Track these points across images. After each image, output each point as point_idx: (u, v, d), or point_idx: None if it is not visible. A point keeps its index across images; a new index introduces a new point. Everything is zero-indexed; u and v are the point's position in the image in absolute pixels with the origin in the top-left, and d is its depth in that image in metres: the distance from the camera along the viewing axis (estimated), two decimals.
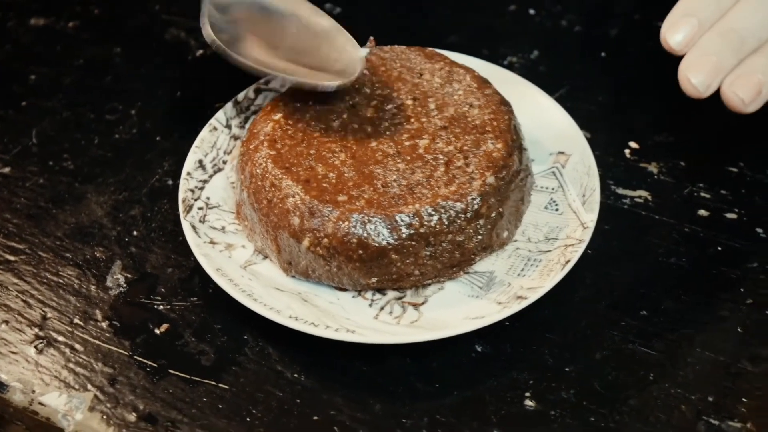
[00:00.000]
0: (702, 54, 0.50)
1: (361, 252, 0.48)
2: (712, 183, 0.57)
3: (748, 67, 0.50)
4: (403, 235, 0.48)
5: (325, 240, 0.49)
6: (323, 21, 0.56)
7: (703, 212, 0.56)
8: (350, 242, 0.48)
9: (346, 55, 0.55)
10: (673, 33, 0.51)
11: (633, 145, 0.59)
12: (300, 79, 0.53)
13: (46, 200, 0.57)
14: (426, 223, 0.48)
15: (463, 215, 0.49)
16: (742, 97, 0.50)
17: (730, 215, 0.56)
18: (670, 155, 0.59)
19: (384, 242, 0.48)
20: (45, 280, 0.54)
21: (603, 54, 0.66)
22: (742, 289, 0.52)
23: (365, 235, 0.48)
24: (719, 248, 0.54)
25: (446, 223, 0.49)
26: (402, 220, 0.48)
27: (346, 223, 0.48)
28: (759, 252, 0.54)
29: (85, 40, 0.67)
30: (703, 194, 0.57)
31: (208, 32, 0.54)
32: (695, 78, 0.50)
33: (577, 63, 0.65)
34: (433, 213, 0.49)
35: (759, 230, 0.55)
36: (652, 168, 0.58)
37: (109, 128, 0.61)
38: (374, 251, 0.48)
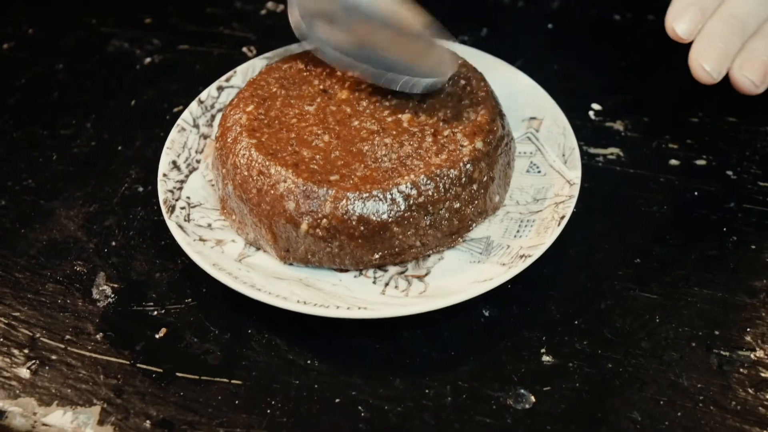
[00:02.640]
0: (710, 41, 0.52)
1: (362, 228, 0.48)
2: (677, 134, 0.59)
3: (752, 51, 0.52)
4: (403, 207, 0.48)
5: (324, 221, 0.48)
6: (414, 20, 0.55)
7: (674, 162, 0.57)
8: (351, 220, 0.48)
9: (436, 51, 0.54)
10: (679, 22, 0.53)
11: (596, 106, 0.61)
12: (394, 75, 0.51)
13: (11, 221, 0.55)
14: (424, 192, 0.48)
15: (457, 181, 0.49)
16: (752, 79, 0.52)
17: (700, 162, 0.57)
18: (633, 113, 0.60)
19: (384, 216, 0.48)
20: (26, 300, 0.51)
21: (549, 26, 0.67)
22: (725, 228, 0.54)
23: (365, 211, 0.48)
24: (696, 193, 0.56)
25: (443, 190, 0.49)
26: (400, 192, 0.48)
27: (344, 201, 0.48)
28: (733, 192, 0.56)
29: (23, 59, 0.65)
30: (671, 145, 0.58)
31: (296, 20, 0.53)
32: (707, 65, 0.52)
33: (526, 36, 0.66)
34: (429, 182, 0.48)
35: (729, 173, 0.57)
36: (618, 126, 0.60)
37: (65, 143, 0.59)
38: (376, 226, 0.48)
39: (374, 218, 0.48)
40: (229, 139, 0.52)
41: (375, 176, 0.48)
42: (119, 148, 0.59)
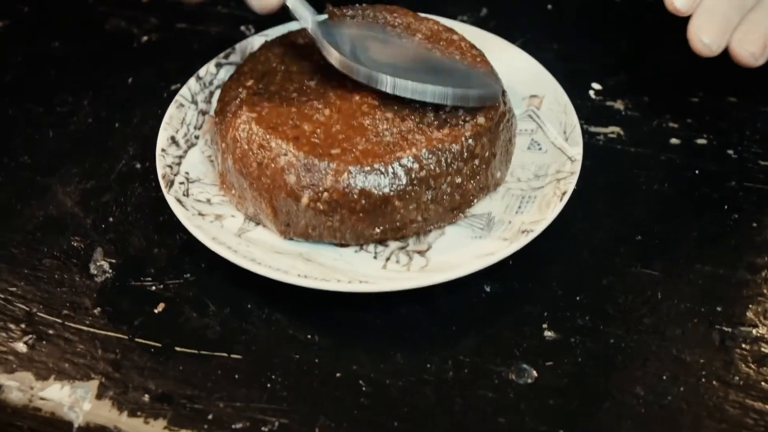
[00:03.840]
0: (709, 15, 0.52)
1: (363, 202, 0.47)
2: (678, 113, 0.59)
3: (751, 24, 0.52)
4: (405, 181, 0.48)
5: (325, 194, 0.47)
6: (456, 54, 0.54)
7: (674, 141, 0.57)
8: (352, 194, 0.47)
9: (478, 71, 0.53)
10: None
11: (596, 86, 0.60)
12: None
13: (8, 197, 0.54)
14: (425, 166, 0.48)
15: (459, 156, 0.49)
16: (752, 51, 0.52)
17: (700, 141, 0.57)
18: (633, 92, 0.60)
19: (386, 190, 0.48)
20: (23, 275, 0.50)
21: (549, 6, 0.67)
22: (726, 206, 0.54)
23: (366, 185, 0.47)
24: (696, 171, 0.55)
25: (444, 165, 0.48)
26: (402, 166, 0.48)
27: (346, 174, 0.47)
28: (734, 171, 0.55)
29: (19, 37, 0.64)
30: (671, 124, 0.58)
31: (333, 54, 0.51)
32: (707, 38, 0.52)
33: (526, 16, 0.66)
34: (431, 156, 0.48)
35: (730, 152, 0.57)
36: (619, 105, 0.59)
37: (62, 120, 0.59)
38: (377, 200, 0.47)
39: (376, 192, 0.47)
40: (228, 113, 0.51)
41: (376, 150, 0.48)
42: (116, 125, 0.58)
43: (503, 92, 0.52)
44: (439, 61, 0.52)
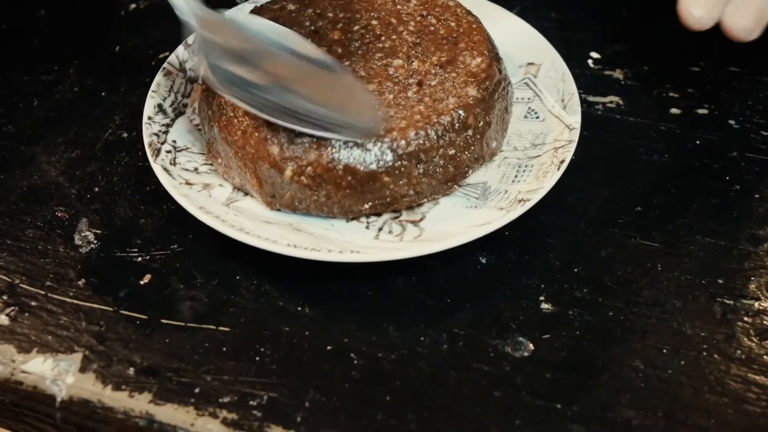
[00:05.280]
0: None
1: (350, 178, 0.46)
2: (678, 83, 0.57)
3: None
4: (391, 157, 0.46)
5: (309, 168, 0.46)
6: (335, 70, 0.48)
7: (675, 110, 0.56)
8: (336, 169, 0.46)
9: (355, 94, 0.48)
10: None
11: (594, 55, 0.59)
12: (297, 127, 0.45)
13: None
14: (413, 141, 0.46)
15: (450, 128, 0.47)
16: (744, 25, 0.50)
17: (701, 111, 0.56)
18: (632, 61, 0.58)
19: (373, 166, 0.46)
20: (5, 246, 0.49)
21: None
22: (727, 177, 0.52)
23: (351, 160, 0.46)
24: (697, 142, 0.54)
25: (435, 137, 0.47)
26: (386, 143, 0.46)
27: (329, 149, 0.46)
28: (735, 141, 0.54)
29: (3, 6, 0.63)
30: (671, 94, 0.57)
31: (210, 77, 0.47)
32: (697, 11, 0.50)
33: None
34: (418, 131, 0.46)
35: (731, 122, 0.55)
36: (618, 74, 0.58)
37: (47, 89, 0.57)
38: (364, 176, 0.46)
39: (361, 168, 0.46)
40: None
41: None
42: (103, 94, 0.57)
43: (498, 59, 0.51)
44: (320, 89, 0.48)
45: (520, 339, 0.45)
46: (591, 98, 0.56)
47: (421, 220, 0.48)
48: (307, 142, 0.46)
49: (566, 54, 0.57)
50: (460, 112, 0.47)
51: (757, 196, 0.51)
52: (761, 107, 0.56)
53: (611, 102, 0.56)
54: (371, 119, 0.46)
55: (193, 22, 0.48)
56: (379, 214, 0.48)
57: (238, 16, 0.51)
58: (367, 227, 0.47)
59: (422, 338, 0.45)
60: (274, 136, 0.46)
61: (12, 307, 0.46)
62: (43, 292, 0.47)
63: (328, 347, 0.45)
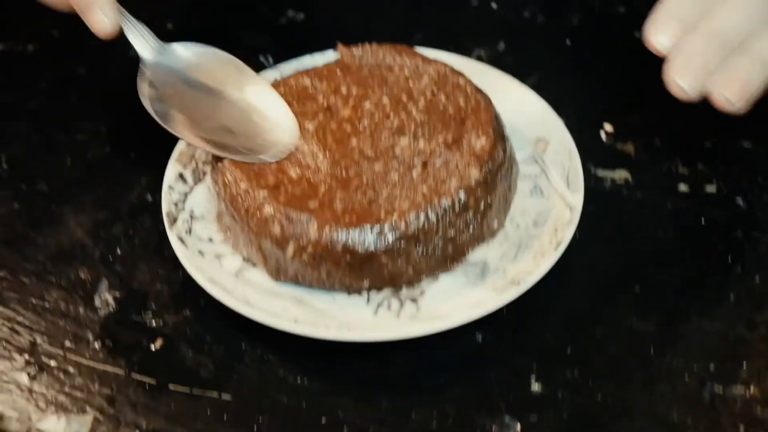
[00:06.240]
0: (687, 57, 0.50)
1: (348, 257, 0.48)
2: (689, 158, 0.58)
3: (732, 68, 0.50)
4: (391, 239, 0.48)
5: (310, 247, 0.48)
6: (260, 97, 0.55)
7: (683, 187, 0.57)
8: (335, 249, 0.48)
9: (288, 136, 0.53)
10: (657, 34, 0.51)
11: (607, 127, 0.60)
12: (231, 154, 0.52)
13: (23, 224, 0.56)
14: (413, 224, 0.48)
15: (450, 210, 0.49)
16: (728, 98, 0.50)
17: (710, 188, 0.57)
18: (645, 134, 0.59)
19: (371, 247, 0.48)
20: (30, 306, 0.52)
21: (568, 42, 0.66)
22: (729, 258, 0.53)
23: (350, 241, 0.48)
24: (702, 220, 0.55)
25: (435, 220, 0.48)
26: (386, 226, 0.48)
27: (328, 229, 0.48)
28: (741, 221, 0.55)
29: (47, 62, 0.66)
30: (681, 170, 0.57)
31: (148, 107, 0.54)
32: (682, 81, 0.50)
33: (543, 52, 0.65)
34: (419, 213, 0.48)
35: (738, 200, 0.56)
36: (629, 148, 0.59)
37: (80, 148, 0.60)
38: (363, 256, 0.48)
39: (360, 249, 0.48)
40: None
41: (356, 208, 0.48)
42: (132, 155, 0.60)
43: (504, 139, 0.52)
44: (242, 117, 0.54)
45: (508, 419, 0.47)
46: (600, 172, 0.57)
47: (420, 296, 0.50)
48: (305, 222, 0.48)
49: (580, 124, 0.59)
50: (461, 194, 0.49)
51: (758, 278, 0.52)
52: None
53: (620, 177, 0.57)
54: (283, 140, 0.52)
55: (146, 55, 0.55)
56: (380, 289, 0.50)
57: (179, 49, 0.56)
58: (367, 302, 0.49)
59: (413, 414, 0.47)
60: (275, 216, 0.49)
61: (32, 366, 0.50)
62: (61, 353, 0.50)
63: (323, 420, 0.47)
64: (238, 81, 0.55)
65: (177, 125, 0.53)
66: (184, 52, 0.55)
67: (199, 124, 0.53)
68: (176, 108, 0.54)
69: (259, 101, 0.54)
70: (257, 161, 0.51)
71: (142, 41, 0.55)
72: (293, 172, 0.50)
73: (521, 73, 0.62)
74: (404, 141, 0.52)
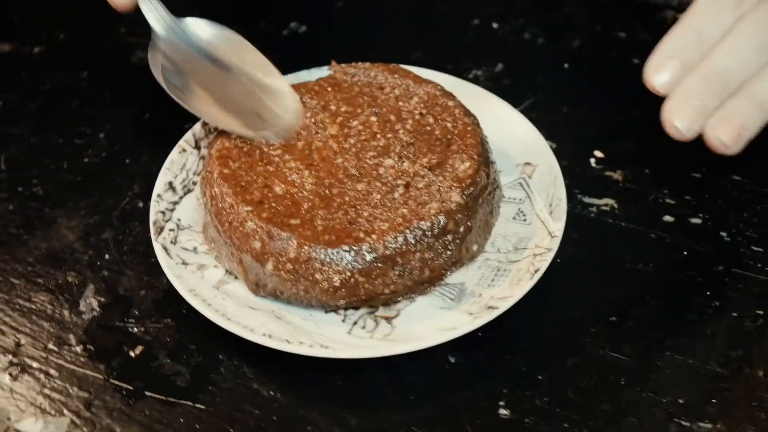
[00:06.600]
0: (685, 98, 0.50)
1: (326, 276, 0.49)
2: (677, 189, 0.58)
3: (729, 111, 0.50)
4: (368, 259, 0.49)
5: (288, 264, 0.49)
6: (267, 78, 0.57)
7: (668, 218, 0.57)
8: (313, 267, 0.49)
9: (290, 114, 0.55)
10: (656, 75, 0.51)
11: (598, 154, 0.60)
12: (237, 129, 0.54)
13: (16, 226, 0.57)
14: (390, 245, 0.49)
15: (429, 233, 0.49)
16: (723, 140, 0.50)
17: (695, 220, 0.57)
18: (635, 163, 0.60)
19: (349, 266, 0.49)
20: (18, 307, 0.54)
21: (566, 65, 0.67)
22: (708, 293, 0.53)
23: (328, 260, 0.48)
24: (685, 253, 0.55)
25: (413, 242, 0.49)
26: (364, 246, 0.48)
27: (307, 248, 0.48)
28: (723, 255, 0.55)
29: (51, 65, 0.68)
30: (668, 200, 0.58)
31: (160, 79, 0.55)
32: (679, 122, 0.50)
33: (541, 75, 0.66)
34: (396, 236, 0.49)
35: (723, 234, 0.56)
36: (617, 176, 0.59)
37: (78, 152, 0.62)
38: (339, 276, 0.49)
39: (338, 268, 0.49)
40: (208, 167, 0.53)
41: (337, 227, 0.49)
42: (127, 161, 0.61)
43: (488, 164, 0.53)
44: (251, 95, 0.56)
45: None
46: (587, 199, 0.58)
47: (395, 317, 0.50)
48: (285, 239, 0.49)
49: (571, 150, 0.59)
50: (441, 217, 0.50)
51: (734, 314, 0.52)
52: (757, 220, 0.56)
53: (606, 205, 0.58)
54: (287, 119, 0.55)
55: (159, 29, 0.56)
56: (356, 308, 0.51)
57: (192, 24, 0.57)
58: (343, 320, 0.50)
59: None
60: (257, 231, 0.49)
61: (15, 367, 0.51)
62: (44, 355, 0.51)
63: None
64: (246, 59, 0.57)
65: (186, 97, 0.55)
66: (196, 27, 0.57)
67: (207, 97, 0.55)
68: (186, 80, 0.56)
69: (266, 80, 0.57)
70: (260, 138, 0.53)
71: (155, 14, 0.56)
72: (278, 188, 0.51)
73: (517, 95, 0.62)
74: (388, 162, 0.52)
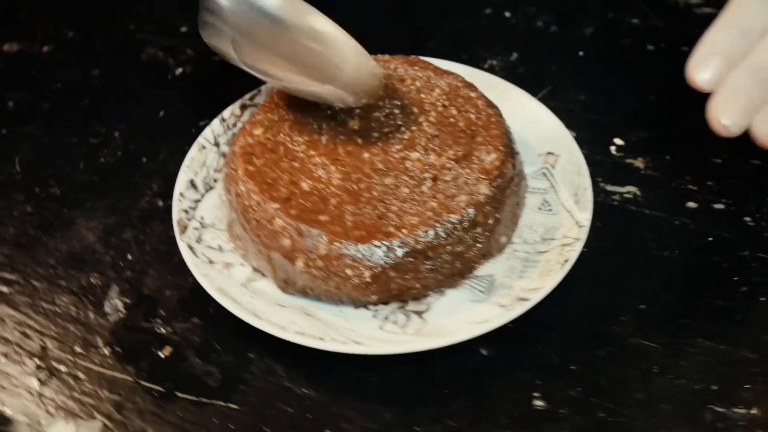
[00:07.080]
0: (731, 94, 0.49)
1: (357, 272, 0.48)
2: (698, 175, 0.58)
3: None
4: (399, 254, 0.48)
5: (319, 261, 0.49)
6: (328, 29, 0.56)
7: (691, 204, 0.57)
8: (344, 263, 0.48)
9: (351, 66, 0.54)
10: (700, 72, 0.50)
11: (618, 141, 0.60)
12: (314, 88, 0.53)
13: (34, 228, 0.57)
14: (422, 239, 0.48)
15: (459, 226, 0.49)
16: None
17: (718, 206, 0.57)
18: (655, 150, 0.60)
19: (380, 261, 0.48)
20: (41, 310, 0.53)
21: (581, 53, 0.66)
22: (735, 278, 0.53)
23: (359, 256, 0.48)
24: (710, 239, 0.55)
25: (444, 235, 0.49)
26: (393, 243, 0.48)
27: (338, 244, 0.48)
28: (748, 240, 0.55)
29: (61, 63, 0.67)
30: (690, 186, 0.58)
31: (232, 55, 0.54)
32: (726, 120, 0.50)
33: (556, 63, 0.66)
34: (428, 229, 0.48)
35: (747, 219, 0.56)
36: (639, 163, 0.59)
37: (93, 152, 0.61)
38: (371, 272, 0.48)
39: (369, 263, 0.48)
40: (232, 165, 0.53)
41: (366, 222, 0.49)
42: (144, 159, 0.60)
43: (514, 155, 0.53)
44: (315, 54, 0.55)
45: None
46: (609, 187, 0.58)
47: (426, 311, 0.50)
48: (316, 236, 0.48)
49: (590, 139, 0.59)
50: (470, 210, 0.49)
51: (763, 299, 0.52)
52: None
53: (628, 192, 0.57)
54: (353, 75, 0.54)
55: (225, 1, 0.55)
56: (387, 303, 0.50)
57: None
58: (374, 316, 0.50)
59: (416, 427, 0.48)
60: (285, 229, 0.49)
61: (43, 371, 0.50)
62: (71, 358, 0.51)
63: (326, 430, 0.48)
64: (305, 15, 0.56)
65: (261, 66, 0.54)
66: None
67: (281, 61, 0.54)
68: (258, 49, 0.54)
69: (324, 29, 0.56)
70: (337, 99, 0.52)
71: None
72: (305, 184, 0.51)
73: (533, 85, 0.62)
74: (415, 155, 0.52)
